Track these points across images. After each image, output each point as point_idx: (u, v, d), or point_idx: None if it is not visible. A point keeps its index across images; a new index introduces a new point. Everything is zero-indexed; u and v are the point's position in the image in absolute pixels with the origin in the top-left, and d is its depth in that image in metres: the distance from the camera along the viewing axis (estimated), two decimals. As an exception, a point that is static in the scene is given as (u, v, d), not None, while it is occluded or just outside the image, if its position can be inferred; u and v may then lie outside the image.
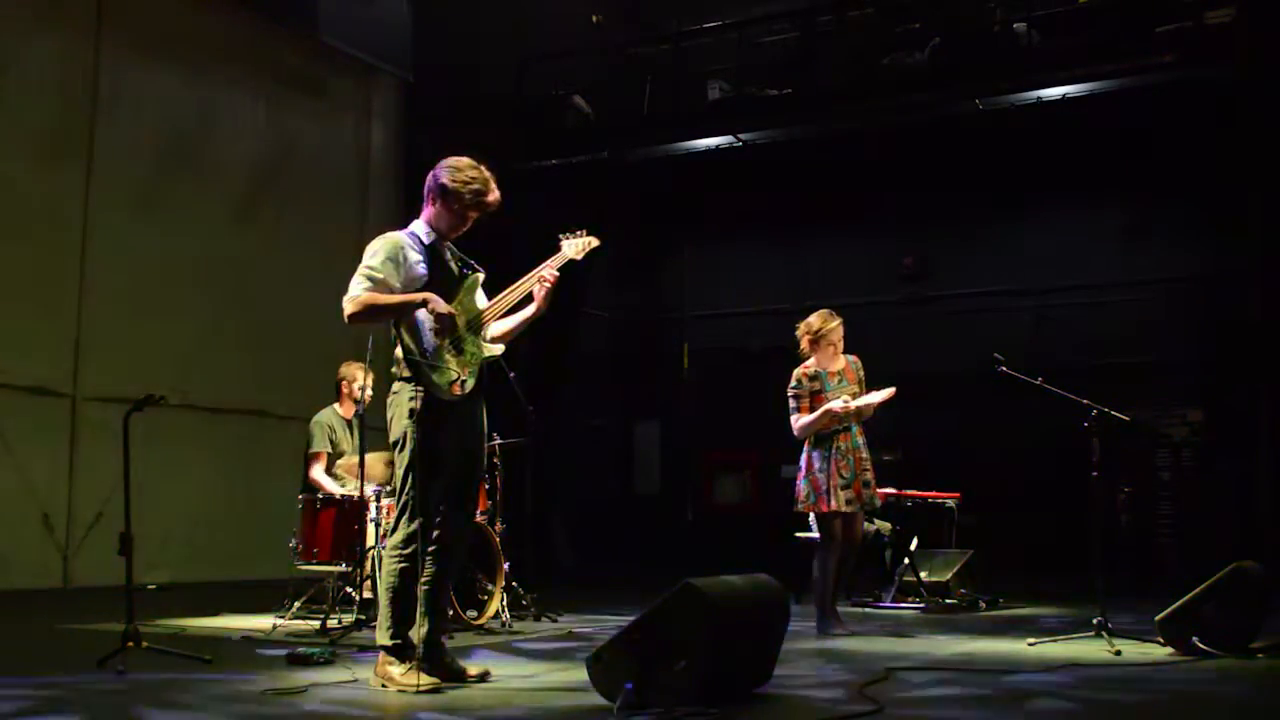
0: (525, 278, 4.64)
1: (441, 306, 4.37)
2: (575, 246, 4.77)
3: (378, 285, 4.38)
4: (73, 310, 9.42)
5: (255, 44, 11.14)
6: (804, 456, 6.68)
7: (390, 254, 4.43)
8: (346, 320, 4.42)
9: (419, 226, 4.58)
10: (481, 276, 4.63)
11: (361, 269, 4.42)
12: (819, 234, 13.50)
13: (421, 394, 4.31)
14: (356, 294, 4.38)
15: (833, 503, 6.52)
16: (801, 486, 6.65)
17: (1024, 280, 12.35)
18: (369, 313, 4.40)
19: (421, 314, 4.39)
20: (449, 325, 4.39)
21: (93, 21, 9.75)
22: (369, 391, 6.98)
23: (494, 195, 4.55)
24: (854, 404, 6.59)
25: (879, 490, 6.84)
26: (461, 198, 4.50)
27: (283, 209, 11.21)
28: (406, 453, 4.34)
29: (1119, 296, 11.99)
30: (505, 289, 4.66)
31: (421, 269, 4.46)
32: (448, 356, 4.42)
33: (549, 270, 4.62)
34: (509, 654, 5.51)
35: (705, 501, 13.69)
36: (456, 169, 4.53)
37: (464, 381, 4.44)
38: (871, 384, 6.77)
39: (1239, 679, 4.83)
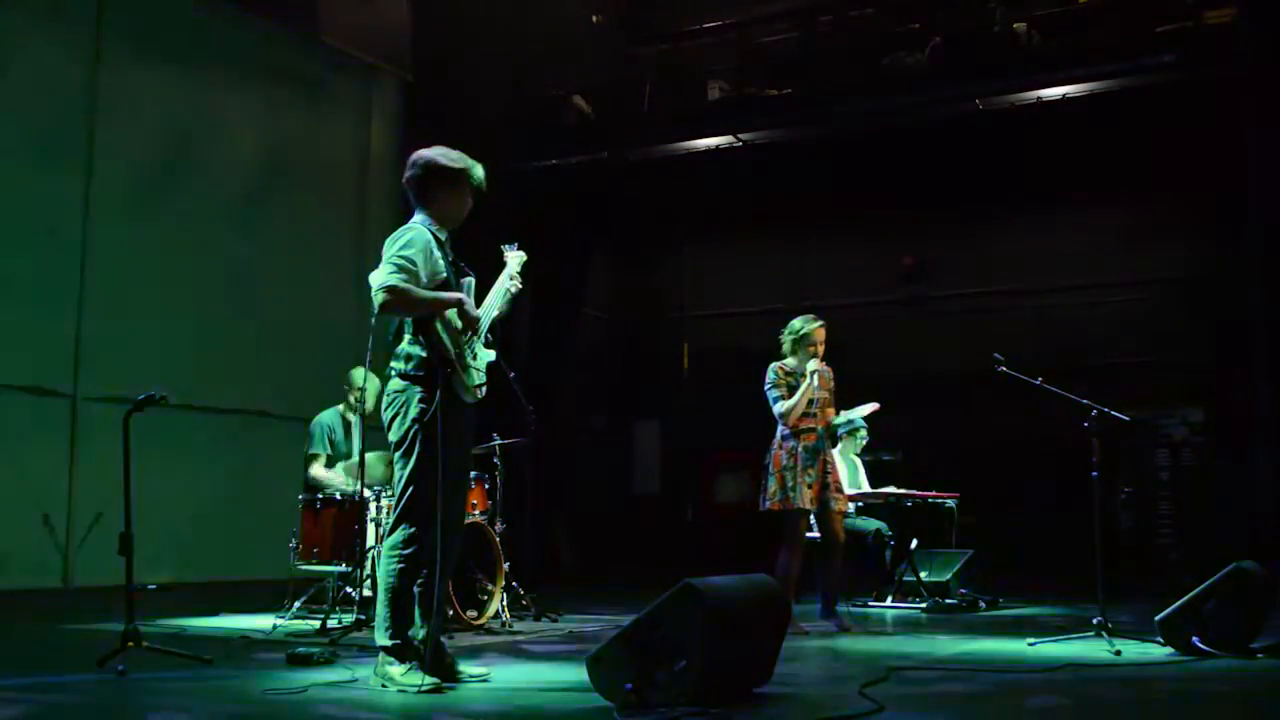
0: (496, 287, 4.64)
1: (473, 310, 4.38)
2: (517, 261, 4.73)
3: (411, 276, 4.27)
4: (73, 310, 9.40)
5: (255, 44, 11.12)
6: (772, 454, 6.72)
7: (422, 247, 4.34)
8: (378, 307, 4.28)
9: (425, 224, 4.46)
10: (473, 280, 4.57)
11: (393, 257, 4.29)
12: (819, 234, 13.50)
13: (433, 397, 4.26)
14: (392, 282, 4.23)
15: (798, 501, 6.56)
16: (770, 484, 6.69)
17: (1024, 280, 12.34)
18: (404, 303, 4.27)
19: (449, 314, 4.36)
20: (475, 329, 4.41)
21: (93, 21, 9.73)
22: (370, 393, 6.99)
23: (480, 169, 4.54)
24: (852, 414, 6.70)
25: (877, 490, 6.87)
26: (463, 176, 4.46)
27: (282, 209, 11.19)
28: (412, 455, 4.30)
29: (1119, 296, 11.99)
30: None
31: (442, 266, 4.40)
32: (468, 360, 4.43)
33: (516, 281, 4.66)
34: (509, 654, 5.50)
35: (705, 501, 13.68)
36: (444, 154, 4.49)
37: (482, 384, 4.48)
38: (871, 386, 6.79)
39: (1239, 679, 4.83)
